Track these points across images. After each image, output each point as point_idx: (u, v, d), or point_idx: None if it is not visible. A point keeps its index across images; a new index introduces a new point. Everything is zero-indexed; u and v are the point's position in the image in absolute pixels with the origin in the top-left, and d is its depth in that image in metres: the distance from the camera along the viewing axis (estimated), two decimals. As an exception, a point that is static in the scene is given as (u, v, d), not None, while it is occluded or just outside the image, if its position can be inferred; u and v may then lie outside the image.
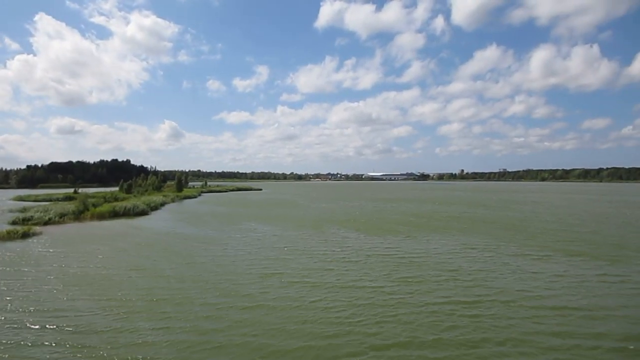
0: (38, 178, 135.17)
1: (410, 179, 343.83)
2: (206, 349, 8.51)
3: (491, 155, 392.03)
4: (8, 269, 15.69)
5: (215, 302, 11.47)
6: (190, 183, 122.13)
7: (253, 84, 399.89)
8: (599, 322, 9.90)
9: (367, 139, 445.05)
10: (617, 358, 8.13)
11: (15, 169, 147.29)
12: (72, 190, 69.33)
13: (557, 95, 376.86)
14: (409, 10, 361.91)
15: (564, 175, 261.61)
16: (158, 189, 74.92)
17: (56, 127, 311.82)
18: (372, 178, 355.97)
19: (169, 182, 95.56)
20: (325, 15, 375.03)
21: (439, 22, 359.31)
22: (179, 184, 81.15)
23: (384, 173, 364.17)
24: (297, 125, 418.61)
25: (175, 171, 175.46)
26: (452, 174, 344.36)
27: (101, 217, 34.21)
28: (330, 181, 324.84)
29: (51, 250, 19.54)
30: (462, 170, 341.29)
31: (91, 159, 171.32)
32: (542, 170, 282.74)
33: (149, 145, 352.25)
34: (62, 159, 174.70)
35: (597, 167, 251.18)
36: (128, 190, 63.66)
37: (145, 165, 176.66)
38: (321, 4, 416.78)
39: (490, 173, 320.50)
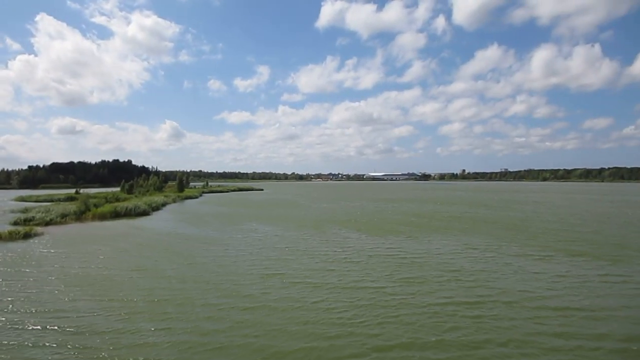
0: (39, 178, 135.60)
1: (412, 179, 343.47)
2: (207, 349, 8.51)
3: (492, 155, 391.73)
4: (10, 269, 15.73)
5: (216, 303, 11.47)
6: (191, 183, 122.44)
7: (254, 84, 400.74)
8: (601, 323, 9.88)
9: (368, 138, 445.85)
10: (619, 359, 8.10)
11: (17, 169, 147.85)
12: (73, 190, 69.76)
13: (558, 95, 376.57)
14: (410, 10, 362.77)
15: (565, 175, 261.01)
16: (159, 189, 75.14)
17: (57, 127, 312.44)
18: (374, 178, 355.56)
19: (170, 183, 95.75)
20: (326, 15, 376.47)
21: (440, 21, 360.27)
22: (180, 184, 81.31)
23: (385, 173, 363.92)
24: (298, 125, 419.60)
25: (176, 171, 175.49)
26: (453, 174, 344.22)
27: (102, 217, 34.31)
28: (331, 181, 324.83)
29: (53, 251, 19.58)
30: (464, 170, 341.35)
31: (92, 159, 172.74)
32: (543, 170, 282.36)
33: (150, 145, 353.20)
34: (63, 159, 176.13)
35: (598, 167, 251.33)
36: (129, 191, 63.81)
37: (146, 166, 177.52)
38: (322, 3, 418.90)
39: (492, 173, 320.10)
